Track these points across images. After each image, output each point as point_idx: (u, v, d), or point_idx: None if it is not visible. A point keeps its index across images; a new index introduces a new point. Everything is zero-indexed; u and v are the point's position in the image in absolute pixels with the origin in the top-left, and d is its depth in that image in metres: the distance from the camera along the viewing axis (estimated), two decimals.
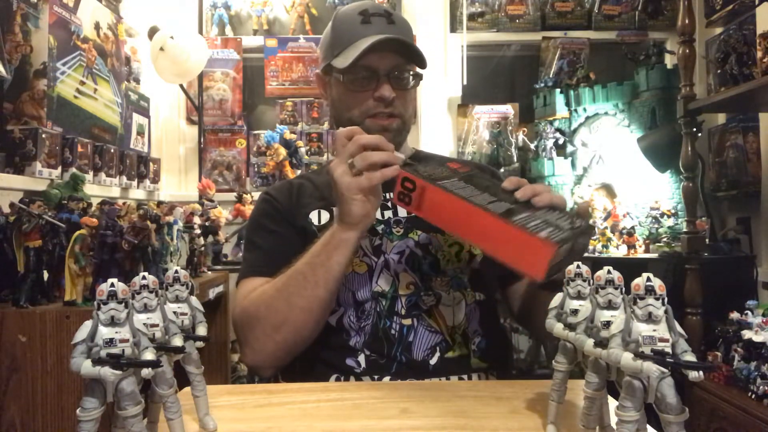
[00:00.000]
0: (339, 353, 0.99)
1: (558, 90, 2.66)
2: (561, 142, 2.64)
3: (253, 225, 1.14)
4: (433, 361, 0.97)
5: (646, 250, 2.26)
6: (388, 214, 1.06)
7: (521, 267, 0.76)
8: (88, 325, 0.51)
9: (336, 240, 0.91)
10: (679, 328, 0.50)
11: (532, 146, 2.78)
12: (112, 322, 0.51)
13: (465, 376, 0.97)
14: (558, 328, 0.60)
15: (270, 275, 1.01)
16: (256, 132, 2.96)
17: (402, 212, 1.06)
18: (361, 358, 0.97)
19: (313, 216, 1.07)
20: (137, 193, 2.45)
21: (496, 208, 0.78)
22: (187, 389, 0.66)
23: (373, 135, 0.91)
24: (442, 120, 2.93)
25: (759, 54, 1.62)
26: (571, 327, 0.58)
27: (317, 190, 1.11)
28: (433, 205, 0.82)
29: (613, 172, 2.50)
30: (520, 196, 0.83)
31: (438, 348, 0.97)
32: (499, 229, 0.76)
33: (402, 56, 1.06)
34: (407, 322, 0.98)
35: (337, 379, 0.97)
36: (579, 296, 0.60)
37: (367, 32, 1.04)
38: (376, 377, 0.96)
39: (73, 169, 1.88)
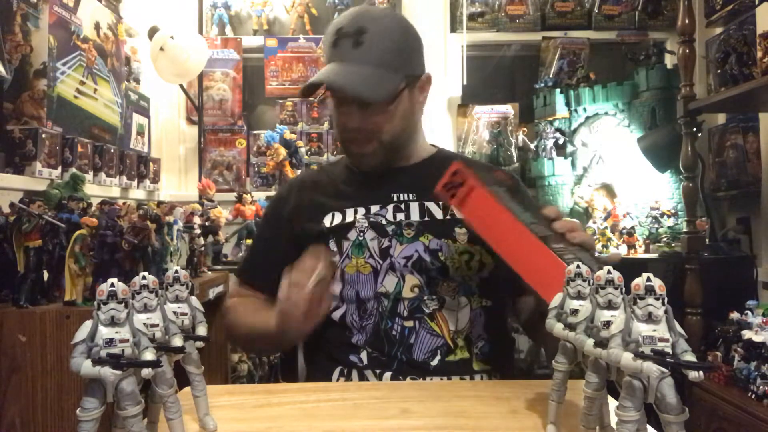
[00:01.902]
0: (342, 349, 1.00)
1: (558, 90, 2.66)
2: (561, 142, 2.64)
3: (259, 223, 1.23)
4: (434, 363, 0.97)
5: (646, 250, 2.26)
6: (401, 216, 1.04)
7: (542, 290, 0.76)
8: (88, 325, 0.51)
9: (277, 333, 0.95)
10: (679, 328, 0.50)
11: (532, 146, 2.78)
12: (112, 322, 0.51)
13: (467, 377, 0.97)
14: (558, 328, 0.60)
15: (249, 282, 1.16)
16: (256, 132, 2.95)
17: (414, 215, 1.05)
18: (363, 355, 0.99)
19: (327, 219, 1.07)
20: (137, 193, 2.45)
21: (537, 231, 0.79)
22: (187, 389, 0.66)
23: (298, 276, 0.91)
24: (442, 120, 2.93)
25: (759, 54, 1.62)
26: (571, 327, 0.58)
27: (333, 184, 1.13)
28: (477, 206, 0.82)
29: (613, 172, 2.50)
30: (558, 227, 0.85)
31: (439, 351, 0.97)
32: (538, 250, 0.77)
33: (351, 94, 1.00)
34: (409, 324, 0.98)
35: (341, 372, 0.99)
36: (579, 296, 0.60)
37: (332, 57, 1.02)
38: (378, 371, 0.97)
39: (73, 169, 1.88)
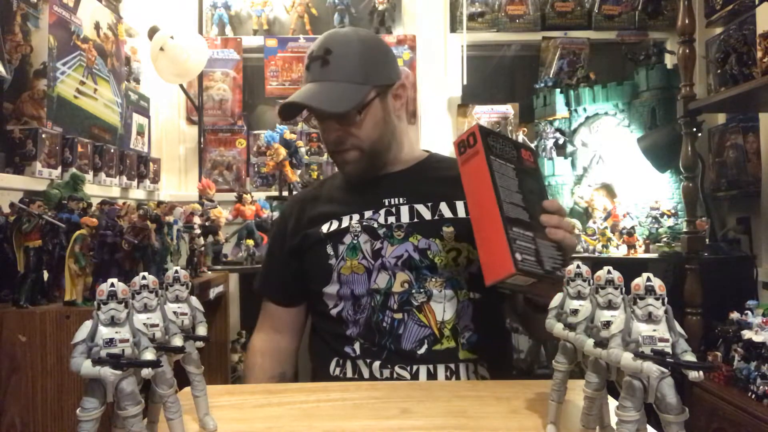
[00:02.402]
0: (338, 341, 1.08)
1: (558, 90, 2.65)
2: (561, 142, 2.64)
3: (269, 240, 1.31)
4: (420, 351, 1.02)
5: (646, 250, 2.26)
6: (391, 219, 1.11)
7: (483, 264, 0.82)
8: (88, 325, 0.51)
9: None
10: (679, 328, 0.50)
11: (532, 146, 2.78)
12: (112, 322, 0.51)
13: (452, 366, 1.02)
14: (558, 328, 0.60)
15: (271, 298, 1.23)
16: (256, 132, 2.95)
17: (404, 217, 1.11)
18: (356, 346, 1.06)
19: (325, 227, 1.14)
20: (137, 193, 2.45)
21: (510, 211, 0.82)
22: (187, 389, 0.66)
23: None
24: (442, 120, 2.92)
25: (759, 54, 1.62)
26: (571, 327, 0.59)
27: (330, 195, 1.20)
28: (473, 170, 0.87)
29: (613, 172, 2.50)
30: (543, 220, 0.88)
31: (426, 341, 1.03)
32: (494, 224, 0.80)
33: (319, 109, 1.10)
34: (398, 316, 1.04)
35: (337, 363, 1.08)
36: (579, 296, 0.60)
37: (306, 79, 1.12)
38: (368, 360, 1.03)
39: (73, 169, 1.87)
